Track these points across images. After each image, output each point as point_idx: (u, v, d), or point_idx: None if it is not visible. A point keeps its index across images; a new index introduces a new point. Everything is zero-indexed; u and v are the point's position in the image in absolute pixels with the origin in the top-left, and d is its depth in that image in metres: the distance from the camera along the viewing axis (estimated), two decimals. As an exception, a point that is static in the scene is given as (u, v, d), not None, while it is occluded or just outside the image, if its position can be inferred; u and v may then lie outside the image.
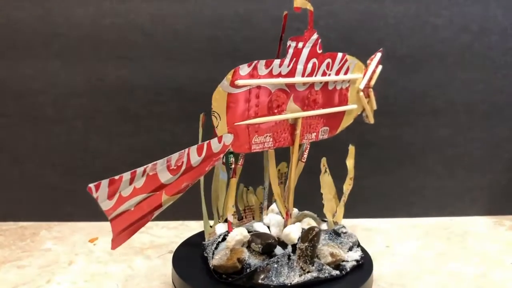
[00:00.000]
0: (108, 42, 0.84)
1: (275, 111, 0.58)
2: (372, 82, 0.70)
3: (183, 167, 0.51)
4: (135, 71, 0.85)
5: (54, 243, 0.80)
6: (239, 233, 0.58)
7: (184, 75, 0.85)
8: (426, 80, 0.89)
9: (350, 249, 0.64)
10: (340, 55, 0.62)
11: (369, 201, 0.92)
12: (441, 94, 0.89)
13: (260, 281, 0.55)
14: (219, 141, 0.53)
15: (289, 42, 0.57)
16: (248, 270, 0.56)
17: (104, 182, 0.47)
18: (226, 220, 0.64)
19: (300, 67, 0.58)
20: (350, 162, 0.69)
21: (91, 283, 0.66)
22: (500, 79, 0.89)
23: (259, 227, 0.68)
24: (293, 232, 0.61)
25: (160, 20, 0.84)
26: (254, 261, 0.58)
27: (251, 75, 0.55)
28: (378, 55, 0.71)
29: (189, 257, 0.64)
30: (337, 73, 0.63)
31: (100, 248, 0.78)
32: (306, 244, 0.57)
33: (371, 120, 0.72)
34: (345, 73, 0.65)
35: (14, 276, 0.68)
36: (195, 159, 0.52)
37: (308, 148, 0.66)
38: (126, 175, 0.48)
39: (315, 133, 0.64)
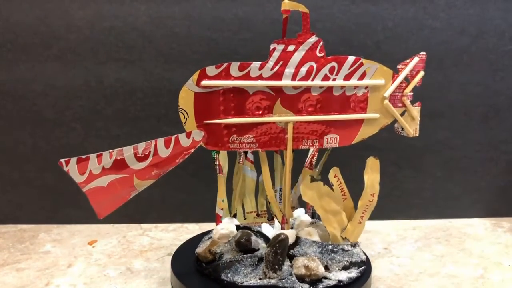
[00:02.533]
0: (107, 45, 0.84)
1: (256, 113, 0.58)
2: (408, 90, 0.62)
3: (151, 156, 0.56)
4: (134, 74, 0.85)
5: (53, 245, 0.80)
6: (226, 228, 0.62)
7: (183, 78, 0.84)
8: (424, 82, 0.88)
9: (345, 268, 0.60)
10: (351, 58, 0.59)
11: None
12: (439, 97, 0.89)
13: (218, 274, 0.58)
14: (188, 137, 0.57)
15: (273, 45, 0.57)
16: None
17: (73, 159, 0.55)
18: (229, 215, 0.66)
19: (289, 70, 0.57)
20: (371, 176, 0.62)
21: (90, 286, 0.66)
22: (498, 82, 0.90)
23: (265, 228, 0.68)
24: None
25: (159, 23, 0.84)
26: (227, 255, 0.60)
27: (221, 77, 0.56)
28: (415, 59, 0.62)
29: (188, 259, 0.64)
30: (347, 78, 0.59)
31: (99, 250, 0.78)
32: (269, 249, 0.57)
33: (409, 133, 0.64)
34: (361, 78, 0.60)
35: (13, 279, 0.68)
36: (163, 150, 0.56)
37: (315, 155, 0.65)
38: (93, 156, 0.55)
39: (317, 140, 0.61)
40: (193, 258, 0.64)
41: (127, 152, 0.55)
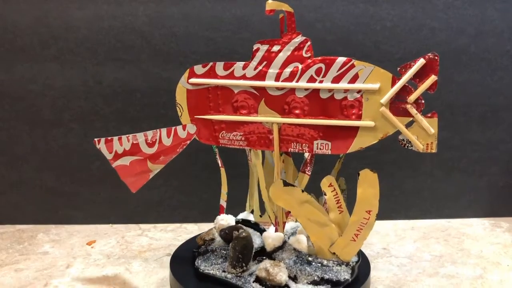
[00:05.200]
0: (106, 45, 0.84)
1: (242, 111, 0.59)
2: (413, 97, 0.53)
3: (157, 144, 0.62)
4: (133, 74, 0.85)
5: (51, 246, 0.80)
6: (225, 219, 0.66)
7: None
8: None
9: (315, 283, 0.56)
10: (340, 60, 0.54)
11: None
12: (438, 97, 0.89)
13: (196, 257, 0.62)
14: (184, 129, 0.62)
15: (256, 45, 0.57)
16: None
17: (102, 139, 0.63)
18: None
19: (272, 71, 0.57)
20: (367, 191, 0.55)
21: (88, 286, 0.66)
22: (497, 82, 0.90)
23: (271, 228, 0.68)
24: (267, 238, 0.62)
25: (158, 23, 0.84)
26: (215, 244, 0.64)
27: (209, 75, 0.59)
28: (420, 61, 0.53)
29: (187, 259, 0.64)
30: (336, 80, 0.55)
31: (97, 251, 0.78)
32: (230, 244, 0.59)
33: (419, 147, 0.54)
34: (352, 81, 0.55)
35: (11, 279, 0.68)
36: (165, 139, 0.62)
37: (312, 160, 0.64)
38: (115, 138, 0.63)
39: (307, 145, 0.58)
40: (191, 259, 0.64)
41: (140, 138, 0.62)
